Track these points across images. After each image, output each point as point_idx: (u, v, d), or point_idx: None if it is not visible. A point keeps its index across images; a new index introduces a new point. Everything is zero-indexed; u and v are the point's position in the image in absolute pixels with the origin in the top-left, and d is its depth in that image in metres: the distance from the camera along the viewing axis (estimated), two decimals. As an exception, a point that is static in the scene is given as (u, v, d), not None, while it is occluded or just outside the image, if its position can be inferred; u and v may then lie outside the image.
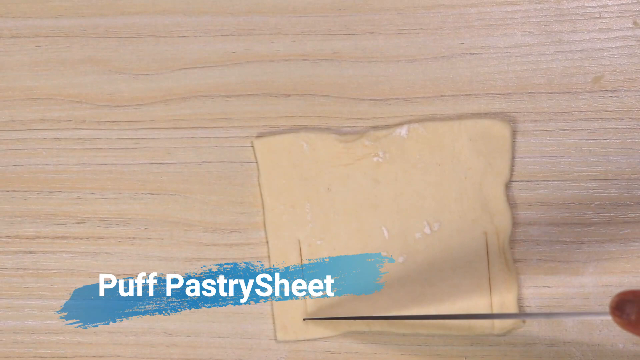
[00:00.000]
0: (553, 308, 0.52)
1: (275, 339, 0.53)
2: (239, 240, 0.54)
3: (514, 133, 0.51)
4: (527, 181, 0.52)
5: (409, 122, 0.52)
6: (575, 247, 0.52)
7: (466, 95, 0.52)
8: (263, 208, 0.53)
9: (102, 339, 0.54)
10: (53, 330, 0.55)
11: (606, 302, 0.52)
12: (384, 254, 0.52)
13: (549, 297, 0.52)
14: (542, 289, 0.52)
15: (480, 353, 0.53)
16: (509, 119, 0.52)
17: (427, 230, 0.52)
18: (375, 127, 0.52)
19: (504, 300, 0.51)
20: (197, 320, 0.54)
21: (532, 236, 0.52)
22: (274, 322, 0.53)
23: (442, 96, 0.52)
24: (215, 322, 0.54)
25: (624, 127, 0.51)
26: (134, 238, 0.54)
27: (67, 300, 0.55)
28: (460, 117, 0.52)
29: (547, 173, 0.52)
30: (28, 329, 0.55)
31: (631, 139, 0.51)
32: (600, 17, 0.51)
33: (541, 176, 0.52)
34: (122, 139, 0.54)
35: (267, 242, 0.53)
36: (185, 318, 0.54)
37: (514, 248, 0.52)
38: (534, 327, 0.52)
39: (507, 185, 0.52)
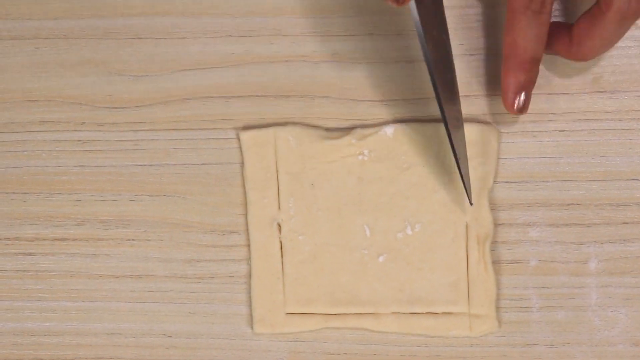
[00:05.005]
0: (552, 309, 0.52)
1: (252, 331, 0.53)
2: (238, 241, 0.54)
3: (500, 138, 0.52)
4: (527, 182, 0.52)
5: (395, 121, 0.52)
6: (575, 248, 0.52)
7: (466, 96, 0.52)
8: (246, 201, 0.53)
9: (102, 341, 0.54)
10: (53, 332, 0.55)
11: (607, 303, 0.52)
12: (364, 251, 0.52)
13: (548, 298, 0.52)
14: (541, 289, 0.52)
15: (480, 354, 0.53)
16: (505, 122, 0.52)
17: (408, 230, 0.52)
18: (363, 126, 0.52)
19: (482, 303, 0.51)
20: (196, 322, 0.54)
21: (532, 237, 0.52)
22: (251, 315, 0.53)
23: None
24: (215, 324, 0.54)
25: (624, 127, 0.51)
26: (133, 240, 0.54)
27: (66, 302, 0.55)
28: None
29: (547, 173, 0.52)
30: (28, 331, 0.55)
31: (630, 139, 0.51)
32: (599, 18, 0.51)
33: (540, 177, 0.52)
34: (122, 140, 0.54)
35: (249, 234, 0.53)
36: (185, 319, 0.54)
37: (513, 249, 0.52)
38: (533, 328, 0.52)
39: (490, 191, 0.52)
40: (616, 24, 0.45)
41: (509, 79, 0.48)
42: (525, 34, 0.47)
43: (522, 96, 0.48)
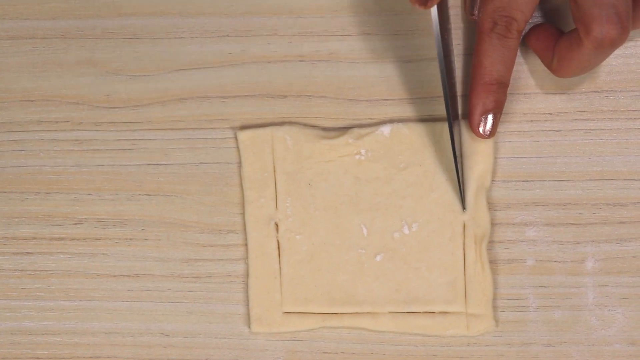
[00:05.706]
0: (549, 308, 0.52)
1: (249, 330, 0.53)
2: (235, 240, 0.54)
3: (496, 137, 0.52)
4: (524, 181, 0.52)
5: (392, 121, 0.52)
6: (571, 247, 0.52)
7: (463, 95, 0.52)
8: (243, 201, 0.53)
9: (99, 340, 0.55)
10: (50, 331, 0.55)
11: (603, 303, 0.52)
12: (362, 251, 0.52)
13: (545, 297, 0.52)
14: (538, 289, 0.52)
15: (477, 353, 0.53)
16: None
17: (405, 230, 0.52)
18: (360, 125, 0.52)
19: (479, 303, 0.51)
20: (193, 321, 0.54)
21: (529, 236, 0.52)
22: (248, 314, 0.53)
23: (438, 97, 0.52)
24: (212, 323, 0.54)
25: (620, 127, 0.51)
26: (130, 239, 0.54)
27: (64, 301, 0.55)
28: (444, 119, 0.52)
29: (544, 173, 0.52)
30: (25, 330, 0.55)
31: (627, 139, 0.51)
32: (595, 18, 0.51)
33: (537, 176, 0.52)
34: (119, 140, 0.54)
35: (246, 234, 0.53)
36: (182, 319, 0.54)
37: (510, 248, 0.52)
38: (530, 328, 0.52)
39: (488, 190, 0.52)
40: (593, 50, 0.45)
41: (474, 100, 0.49)
42: (490, 56, 0.48)
43: (489, 119, 0.49)
